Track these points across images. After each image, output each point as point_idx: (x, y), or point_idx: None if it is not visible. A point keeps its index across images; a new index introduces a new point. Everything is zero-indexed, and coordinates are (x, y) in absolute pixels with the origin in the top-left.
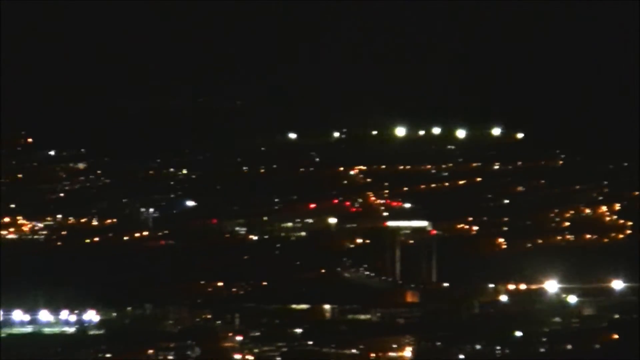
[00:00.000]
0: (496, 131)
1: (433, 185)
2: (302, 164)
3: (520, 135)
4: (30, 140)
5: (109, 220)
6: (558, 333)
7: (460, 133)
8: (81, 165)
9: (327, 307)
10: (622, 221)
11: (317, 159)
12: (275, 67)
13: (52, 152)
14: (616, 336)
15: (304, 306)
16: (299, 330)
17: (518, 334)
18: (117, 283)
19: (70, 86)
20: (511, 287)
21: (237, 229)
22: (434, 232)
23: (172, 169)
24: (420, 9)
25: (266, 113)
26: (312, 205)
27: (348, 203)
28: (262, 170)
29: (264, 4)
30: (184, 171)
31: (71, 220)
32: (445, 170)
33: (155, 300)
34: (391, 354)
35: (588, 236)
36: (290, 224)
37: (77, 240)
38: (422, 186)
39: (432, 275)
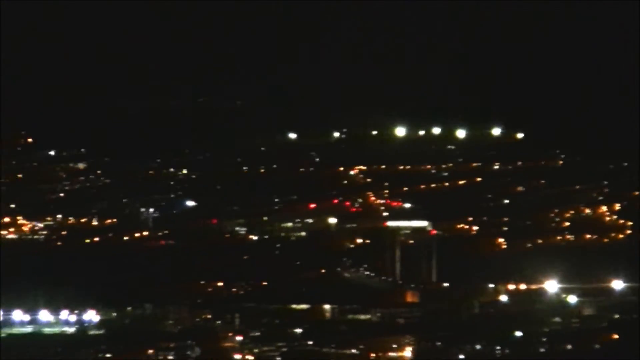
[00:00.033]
0: (496, 131)
1: (433, 185)
2: (302, 164)
3: (520, 135)
4: (30, 140)
5: (109, 220)
6: (558, 333)
7: (460, 133)
8: (81, 165)
9: (327, 307)
10: (622, 221)
11: (317, 159)
12: (275, 67)
13: (52, 152)
14: (616, 336)
15: (304, 306)
16: (299, 330)
17: (518, 334)
18: (117, 283)
19: (70, 86)
20: (511, 287)
21: (237, 229)
22: (434, 232)
23: (172, 169)
24: (420, 9)
25: (266, 113)
26: (312, 205)
27: (348, 203)
28: (262, 170)
29: (264, 4)
30: (184, 171)
31: (71, 220)
32: (445, 170)
33: (155, 300)
34: (391, 354)
35: (588, 236)
36: (290, 224)
37: (77, 240)
38: (422, 186)
39: (432, 275)
